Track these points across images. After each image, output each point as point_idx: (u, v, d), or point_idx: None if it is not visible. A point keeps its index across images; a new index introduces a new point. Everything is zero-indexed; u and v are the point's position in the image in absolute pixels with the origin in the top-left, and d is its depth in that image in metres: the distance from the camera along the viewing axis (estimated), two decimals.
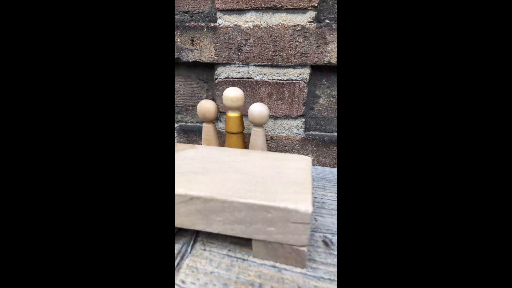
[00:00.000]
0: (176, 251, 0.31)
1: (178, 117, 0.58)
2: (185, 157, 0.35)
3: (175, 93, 0.56)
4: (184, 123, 0.58)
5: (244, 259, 0.30)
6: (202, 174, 0.31)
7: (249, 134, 0.48)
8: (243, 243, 0.32)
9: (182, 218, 0.29)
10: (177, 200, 0.28)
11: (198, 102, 0.56)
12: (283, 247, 0.28)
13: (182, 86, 0.55)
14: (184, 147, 0.39)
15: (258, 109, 0.38)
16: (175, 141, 0.58)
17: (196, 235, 0.33)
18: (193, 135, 0.56)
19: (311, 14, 0.44)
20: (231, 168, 0.32)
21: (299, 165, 0.33)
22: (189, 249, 0.31)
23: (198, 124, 0.57)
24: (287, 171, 0.32)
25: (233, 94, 0.38)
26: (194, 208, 0.28)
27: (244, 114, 0.50)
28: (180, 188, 0.28)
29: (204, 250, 0.31)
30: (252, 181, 0.29)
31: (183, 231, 0.34)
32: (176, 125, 0.58)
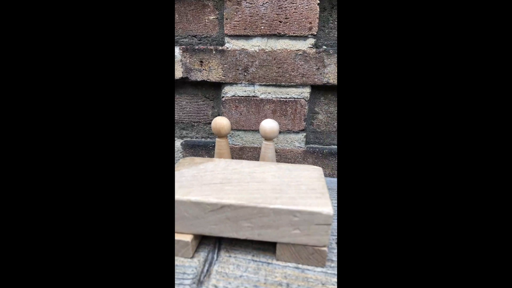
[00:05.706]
0: (203, 259, 0.32)
1: (183, 133, 0.60)
2: (206, 169, 0.38)
3: (182, 110, 0.58)
4: (189, 139, 0.60)
5: (268, 263, 0.32)
6: (227, 184, 0.34)
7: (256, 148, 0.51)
8: (266, 248, 0.34)
9: (211, 227, 0.31)
10: (206, 209, 0.31)
11: (204, 118, 0.58)
12: (306, 248, 0.31)
13: (188, 104, 0.58)
14: (202, 160, 0.41)
15: (269, 125, 0.42)
16: (183, 156, 0.60)
17: (219, 243, 0.35)
18: (199, 150, 0.59)
19: (311, 41, 0.49)
20: (253, 178, 0.35)
21: (312, 174, 0.37)
22: (215, 256, 0.33)
23: (203, 139, 0.60)
24: (303, 180, 0.35)
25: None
26: (224, 216, 0.30)
27: (255, 129, 0.54)
28: (210, 197, 0.31)
29: (230, 256, 0.33)
30: (275, 189, 0.32)
31: (206, 240, 0.36)
32: (181, 140, 0.59)
